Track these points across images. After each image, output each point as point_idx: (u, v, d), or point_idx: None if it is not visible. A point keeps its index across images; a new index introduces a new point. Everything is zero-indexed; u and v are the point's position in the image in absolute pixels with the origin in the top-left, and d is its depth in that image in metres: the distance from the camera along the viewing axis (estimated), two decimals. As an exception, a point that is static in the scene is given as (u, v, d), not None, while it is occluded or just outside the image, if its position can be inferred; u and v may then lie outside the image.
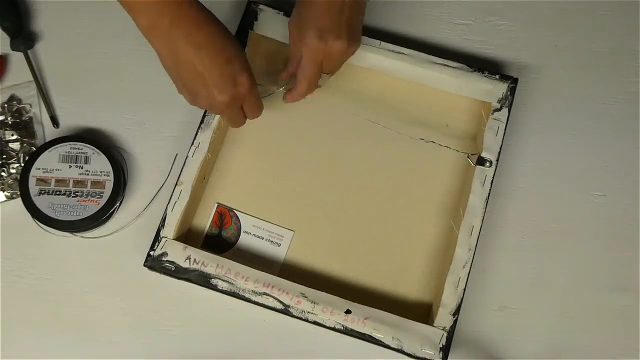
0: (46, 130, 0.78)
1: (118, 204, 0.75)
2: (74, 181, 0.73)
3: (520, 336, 0.73)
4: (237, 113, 0.68)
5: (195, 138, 0.74)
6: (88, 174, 0.74)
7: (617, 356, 0.73)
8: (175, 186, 0.72)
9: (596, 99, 0.81)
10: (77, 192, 0.73)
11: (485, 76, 0.76)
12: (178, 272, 0.69)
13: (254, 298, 0.69)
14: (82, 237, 0.74)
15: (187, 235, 0.75)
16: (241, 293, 0.69)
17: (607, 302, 0.74)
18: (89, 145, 0.75)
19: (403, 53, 0.77)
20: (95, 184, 0.74)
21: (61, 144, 0.75)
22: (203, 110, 0.75)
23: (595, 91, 0.82)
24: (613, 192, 0.78)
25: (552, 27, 0.84)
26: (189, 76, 0.63)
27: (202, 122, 0.74)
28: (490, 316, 0.73)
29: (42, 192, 0.73)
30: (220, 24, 0.63)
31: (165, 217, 0.71)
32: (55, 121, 0.78)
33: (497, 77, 0.77)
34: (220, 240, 0.75)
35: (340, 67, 0.73)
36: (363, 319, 0.68)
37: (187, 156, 0.73)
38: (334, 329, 0.68)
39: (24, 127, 0.78)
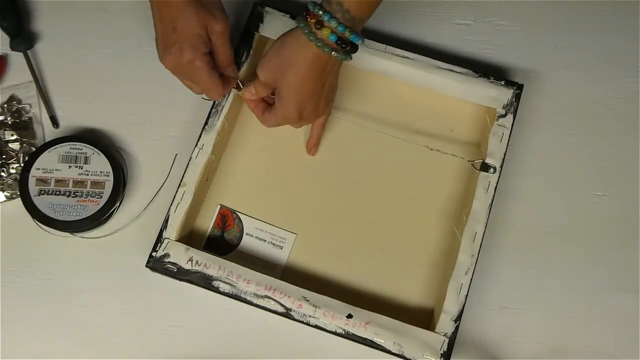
0: (46, 131, 0.78)
1: (118, 204, 0.75)
2: (73, 181, 0.73)
3: (520, 336, 0.73)
4: (189, 83, 0.71)
5: (199, 140, 0.74)
6: (88, 174, 0.74)
7: (617, 356, 0.73)
8: (178, 187, 0.72)
9: (596, 99, 0.81)
10: (77, 192, 0.73)
11: (491, 82, 0.76)
12: (180, 274, 0.69)
13: (255, 301, 0.69)
14: (81, 237, 0.74)
15: (190, 237, 0.75)
16: (243, 296, 0.69)
17: (607, 302, 0.74)
18: (88, 146, 0.75)
19: (408, 58, 0.77)
20: (95, 184, 0.73)
21: (61, 144, 0.74)
22: (205, 111, 0.75)
23: (595, 91, 0.82)
24: (613, 192, 0.78)
25: (552, 27, 0.84)
26: (156, 33, 0.68)
27: (206, 123, 0.74)
28: (490, 316, 0.73)
29: (42, 192, 0.73)
30: (195, 3, 0.66)
31: (167, 218, 0.71)
32: (55, 121, 0.78)
33: (503, 83, 0.76)
34: (222, 242, 0.75)
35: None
36: (364, 323, 0.68)
37: (190, 157, 0.73)
38: (335, 333, 0.68)
39: (24, 127, 0.78)
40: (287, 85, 0.67)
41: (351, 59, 0.66)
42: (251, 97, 0.72)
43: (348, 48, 0.64)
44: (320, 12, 0.63)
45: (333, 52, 0.64)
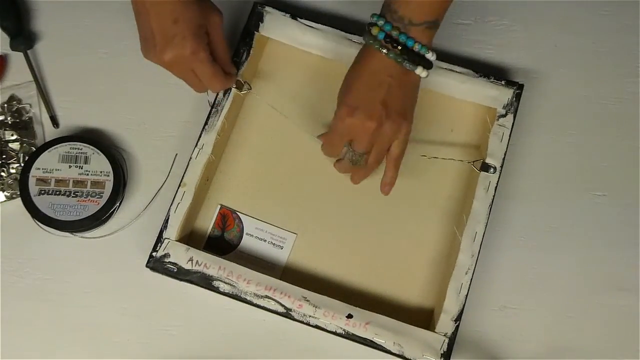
0: (46, 130, 0.78)
1: (118, 204, 0.75)
2: (73, 181, 0.73)
3: (520, 336, 0.73)
4: (190, 76, 0.69)
5: (199, 139, 0.74)
6: (88, 174, 0.74)
7: (617, 356, 0.73)
8: (178, 187, 0.72)
9: (596, 99, 0.81)
10: (77, 192, 0.73)
11: (491, 82, 0.76)
12: (180, 274, 0.69)
13: (255, 301, 0.69)
14: (82, 237, 0.74)
15: (190, 237, 0.75)
16: (243, 296, 0.69)
17: (607, 302, 0.74)
18: (88, 145, 0.75)
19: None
20: (95, 184, 0.73)
21: (61, 144, 0.74)
22: (205, 111, 0.75)
23: (595, 91, 0.82)
24: (613, 192, 0.78)
25: (552, 27, 0.84)
26: (143, 29, 0.66)
27: (206, 123, 0.74)
28: (490, 316, 0.73)
29: (42, 192, 0.73)
30: None
31: (168, 219, 0.71)
32: (55, 121, 0.78)
33: (503, 82, 0.76)
34: (222, 242, 0.75)
35: (385, 147, 0.69)
36: (364, 323, 0.68)
37: (190, 157, 0.73)
38: (335, 333, 0.68)
39: (24, 127, 0.78)
40: (344, 83, 0.69)
41: (414, 67, 0.66)
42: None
43: (399, 48, 0.65)
44: (374, 16, 0.66)
45: (384, 50, 0.65)
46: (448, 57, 0.78)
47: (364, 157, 0.71)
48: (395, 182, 0.72)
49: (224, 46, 0.70)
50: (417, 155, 0.77)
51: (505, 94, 0.76)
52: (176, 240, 0.71)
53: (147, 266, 0.70)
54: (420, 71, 0.67)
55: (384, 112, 0.66)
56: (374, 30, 0.65)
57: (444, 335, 0.68)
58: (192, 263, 0.70)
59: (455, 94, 0.77)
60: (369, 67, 0.67)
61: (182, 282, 0.70)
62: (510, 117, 0.76)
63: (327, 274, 0.74)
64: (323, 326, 0.68)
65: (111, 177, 0.74)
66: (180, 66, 0.67)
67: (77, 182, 0.73)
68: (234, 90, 0.75)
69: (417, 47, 0.65)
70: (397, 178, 0.71)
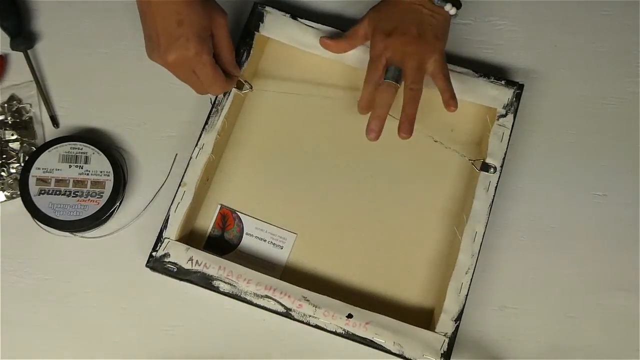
0: (46, 130, 0.78)
1: (118, 204, 0.75)
2: (74, 181, 0.73)
3: (520, 336, 0.73)
4: (193, 78, 0.69)
5: (199, 139, 0.73)
6: (88, 174, 0.74)
7: (617, 356, 0.73)
8: (178, 187, 0.72)
9: (596, 99, 0.81)
10: (77, 192, 0.73)
11: (491, 82, 0.76)
12: (180, 274, 0.69)
13: (255, 301, 0.69)
14: (82, 237, 0.74)
15: (190, 237, 0.74)
16: (243, 295, 0.69)
17: (607, 302, 0.74)
18: (89, 145, 0.75)
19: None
20: (95, 183, 0.73)
21: (61, 144, 0.74)
22: (205, 111, 0.75)
23: (595, 91, 0.82)
24: (613, 192, 0.78)
25: (552, 27, 0.84)
26: (147, 29, 0.66)
27: (206, 123, 0.74)
28: (490, 316, 0.73)
29: (42, 192, 0.73)
30: None
31: (168, 218, 0.71)
32: (55, 121, 0.78)
33: (503, 82, 0.76)
34: (222, 241, 0.75)
35: (422, 64, 0.72)
36: (364, 323, 0.68)
37: (190, 157, 0.73)
38: (335, 333, 0.68)
39: (24, 127, 0.78)
40: (373, 13, 0.73)
41: (441, 2, 0.71)
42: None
43: None
44: None
45: None
46: (448, 57, 0.78)
47: (399, 73, 0.71)
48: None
49: (229, 47, 0.70)
50: (419, 151, 0.77)
51: (505, 94, 0.76)
52: (176, 240, 0.71)
53: (147, 266, 0.70)
54: (449, 7, 0.71)
55: (418, 31, 0.71)
56: None
57: (444, 335, 0.68)
58: (192, 263, 0.70)
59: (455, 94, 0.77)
60: (401, 1, 0.71)
61: (182, 282, 0.70)
62: (510, 117, 0.76)
63: (327, 274, 0.74)
64: (323, 326, 0.68)
65: (111, 177, 0.74)
66: (183, 68, 0.68)
67: (77, 182, 0.73)
68: (234, 90, 0.75)
69: None
70: (454, 96, 0.72)
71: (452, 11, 0.72)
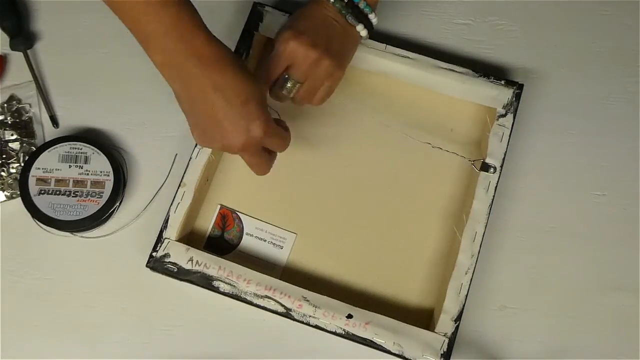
0: (46, 130, 0.78)
1: (118, 204, 0.75)
2: (73, 181, 0.73)
3: (520, 336, 0.73)
4: (256, 158, 0.66)
5: (199, 140, 0.74)
6: (88, 174, 0.74)
7: (617, 356, 0.73)
8: (178, 187, 0.72)
9: (596, 99, 0.81)
10: (77, 192, 0.73)
11: (491, 81, 0.76)
12: (180, 274, 0.69)
13: (255, 301, 0.69)
14: (82, 237, 0.74)
15: (190, 237, 0.74)
16: (243, 296, 0.69)
17: (607, 302, 0.74)
18: (88, 145, 0.75)
19: (408, 57, 0.76)
20: (95, 183, 0.73)
21: (61, 144, 0.74)
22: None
23: (595, 91, 0.82)
24: (613, 192, 0.78)
25: (552, 27, 0.84)
26: (204, 117, 0.61)
27: (206, 123, 0.74)
28: (490, 316, 0.73)
29: (42, 192, 0.73)
30: (238, 60, 0.61)
31: (168, 218, 0.71)
32: (55, 121, 0.78)
33: (503, 82, 0.76)
34: (222, 242, 0.75)
35: (318, 85, 0.69)
36: (364, 323, 0.68)
37: (190, 157, 0.73)
38: (335, 333, 0.68)
39: (24, 127, 0.78)
40: (290, 16, 0.70)
41: (354, 20, 0.68)
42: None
43: (345, 1, 0.67)
44: None
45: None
46: (448, 57, 0.78)
47: (295, 89, 0.69)
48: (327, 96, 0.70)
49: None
50: (419, 151, 0.77)
51: (505, 94, 0.76)
52: (176, 240, 0.71)
53: (147, 266, 0.70)
54: (361, 29, 0.69)
55: (326, 46, 0.67)
56: None
57: (444, 335, 0.68)
58: (192, 263, 0.70)
59: (455, 94, 0.77)
60: (317, 10, 0.68)
61: (182, 282, 0.70)
62: (510, 117, 0.76)
63: (327, 274, 0.74)
64: (323, 326, 0.68)
65: (111, 177, 0.74)
66: (253, 149, 0.64)
67: (77, 182, 0.73)
68: None
69: (362, 5, 0.67)
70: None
71: (364, 33, 0.69)
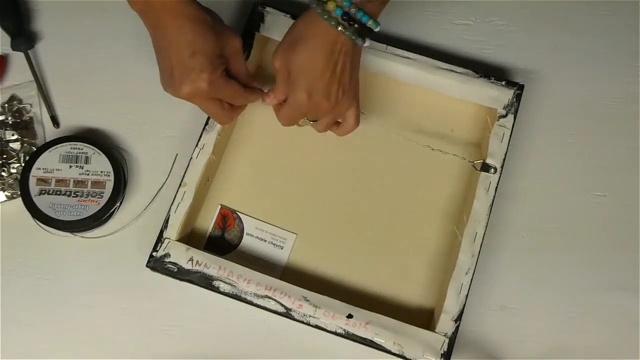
0: (46, 130, 0.78)
1: (118, 204, 0.75)
2: (74, 181, 0.73)
3: (520, 336, 0.73)
4: (213, 108, 0.69)
5: (199, 139, 0.74)
6: (88, 174, 0.74)
7: (617, 356, 0.73)
8: (178, 187, 0.72)
9: (596, 99, 0.81)
10: (78, 192, 0.73)
11: (492, 82, 0.76)
12: (180, 274, 0.69)
13: (255, 301, 0.69)
14: (82, 237, 0.74)
15: (190, 237, 0.75)
16: (243, 296, 0.69)
17: (607, 302, 0.74)
18: (89, 145, 0.75)
19: (409, 58, 0.76)
20: (95, 184, 0.74)
21: (61, 144, 0.74)
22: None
23: (595, 91, 0.82)
24: (613, 192, 0.78)
25: (552, 27, 0.84)
26: (162, 64, 0.66)
27: (206, 123, 0.74)
28: (490, 316, 0.73)
29: (43, 192, 0.73)
30: (207, 19, 0.65)
31: (168, 218, 0.71)
32: (55, 121, 0.78)
33: (503, 83, 0.76)
34: (223, 242, 0.75)
35: (335, 120, 0.72)
36: (365, 323, 0.68)
37: (191, 157, 0.73)
38: (335, 333, 0.68)
39: (25, 127, 0.78)
40: (297, 61, 0.65)
41: (364, 41, 0.64)
42: (272, 101, 0.70)
43: (356, 26, 0.63)
44: None
45: (340, 28, 0.63)
46: (448, 57, 0.78)
47: (310, 123, 0.72)
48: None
49: (245, 71, 0.69)
50: (419, 151, 0.77)
51: (505, 95, 0.76)
52: (176, 240, 0.71)
53: (147, 266, 0.70)
54: (367, 42, 0.66)
55: (340, 93, 0.67)
56: (330, 5, 0.62)
57: (444, 335, 0.68)
58: (192, 263, 0.70)
59: (455, 95, 0.77)
60: (324, 46, 0.64)
61: (182, 282, 0.70)
62: (510, 117, 0.76)
63: (327, 274, 0.74)
64: (323, 326, 0.68)
65: (112, 177, 0.74)
66: (199, 99, 0.67)
67: (77, 182, 0.73)
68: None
69: (370, 23, 0.64)
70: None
71: (368, 44, 0.66)
